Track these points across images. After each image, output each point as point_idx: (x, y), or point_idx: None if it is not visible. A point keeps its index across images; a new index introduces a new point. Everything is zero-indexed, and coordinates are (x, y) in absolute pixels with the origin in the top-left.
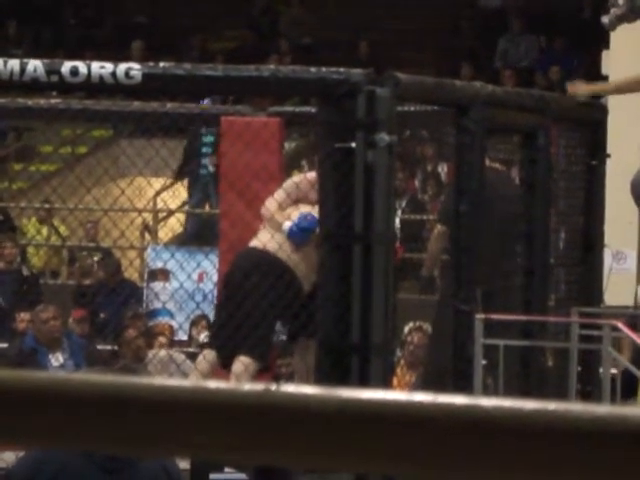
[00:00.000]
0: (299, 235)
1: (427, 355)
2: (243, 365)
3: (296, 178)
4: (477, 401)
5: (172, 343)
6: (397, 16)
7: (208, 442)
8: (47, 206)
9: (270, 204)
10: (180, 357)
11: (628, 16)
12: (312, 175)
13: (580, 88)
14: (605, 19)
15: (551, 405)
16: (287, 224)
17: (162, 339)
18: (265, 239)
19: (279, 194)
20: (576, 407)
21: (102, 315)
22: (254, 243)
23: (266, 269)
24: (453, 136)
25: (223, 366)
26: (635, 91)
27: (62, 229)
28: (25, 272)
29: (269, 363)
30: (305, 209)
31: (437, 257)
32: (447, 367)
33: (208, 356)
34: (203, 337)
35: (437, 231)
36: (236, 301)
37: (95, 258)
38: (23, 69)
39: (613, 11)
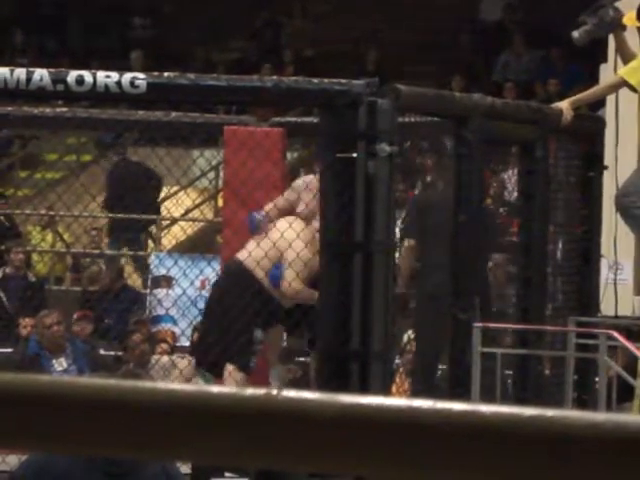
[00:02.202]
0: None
1: (414, 356)
2: (231, 375)
3: (293, 183)
4: (476, 407)
5: (174, 349)
6: (398, 29)
7: (209, 446)
8: (52, 213)
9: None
10: (183, 363)
11: (596, 32)
12: (309, 177)
13: (563, 107)
14: (575, 34)
15: (549, 412)
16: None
17: (164, 345)
18: (246, 252)
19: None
20: (574, 414)
21: (106, 321)
22: (238, 255)
23: (241, 282)
24: (452, 147)
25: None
26: (608, 94)
27: (66, 236)
28: (31, 278)
29: (251, 370)
30: (291, 218)
31: (410, 271)
32: (434, 362)
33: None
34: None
35: (406, 246)
36: (216, 313)
37: (102, 265)
38: (29, 78)
39: (582, 27)
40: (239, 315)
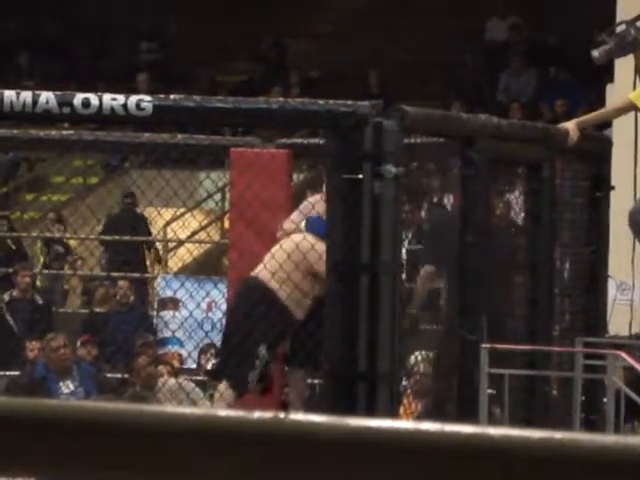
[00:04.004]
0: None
1: (433, 385)
2: (219, 393)
3: (311, 198)
4: (484, 430)
5: (181, 371)
6: (404, 49)
7: (218, 469)
8: (58, 235)
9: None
10: (189, 385)
11: (617, 51)
12: (315, 197)
13: (569, 127)
14: (595, 53)
15: (558, 434)
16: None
17: (169, 367)
18: (261, 265)
19: (294, 214)
20: (583, 436)
21: (113, 342)
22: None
23: (252, 296)
24: (459, 168)
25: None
26: (616, 117)
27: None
28: (38, 301)
29: (247, 388)
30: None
31: (424, 296)
32: (450, 396)
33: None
34: (211, 365)
35: (424, 273)
36: (228, 329)
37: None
38: (35, 101)
39: (602, 46)
40: (244, 329)
